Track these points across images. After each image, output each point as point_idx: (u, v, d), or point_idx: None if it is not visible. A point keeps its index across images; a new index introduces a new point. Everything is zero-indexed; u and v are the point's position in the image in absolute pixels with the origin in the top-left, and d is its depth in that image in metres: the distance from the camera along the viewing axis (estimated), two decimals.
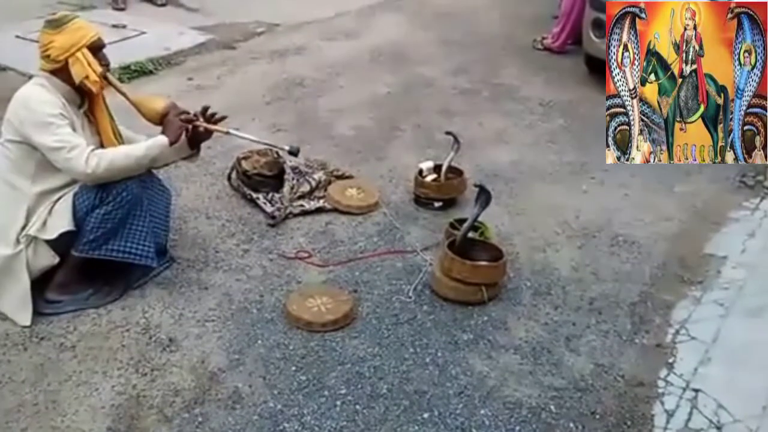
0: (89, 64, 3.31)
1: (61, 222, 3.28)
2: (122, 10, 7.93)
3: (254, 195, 4.28)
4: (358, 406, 2.94)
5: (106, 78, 3.42)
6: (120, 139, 3.52)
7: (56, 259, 3.35)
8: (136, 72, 6.18)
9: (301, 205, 4.26)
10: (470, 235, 3.77)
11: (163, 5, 8.25)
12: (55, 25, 3.31)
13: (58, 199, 3.32)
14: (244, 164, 4.38)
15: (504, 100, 6.12)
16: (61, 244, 3.31)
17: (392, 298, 3.58)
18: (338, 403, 2.96)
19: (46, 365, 3.06)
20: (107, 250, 3.36)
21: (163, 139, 3.40)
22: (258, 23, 7.77)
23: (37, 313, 3.32)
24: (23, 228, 3.27)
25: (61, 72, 3.31)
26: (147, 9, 8.12)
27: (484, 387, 3.07)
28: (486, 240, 3.86)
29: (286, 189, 4.30)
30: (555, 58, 7.17)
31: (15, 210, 3.27)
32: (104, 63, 3.43)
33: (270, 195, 4.29)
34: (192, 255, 3.82)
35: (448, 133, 4.56)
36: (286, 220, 4.15)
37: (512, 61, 7.04)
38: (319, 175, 4.50)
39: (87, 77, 3.31)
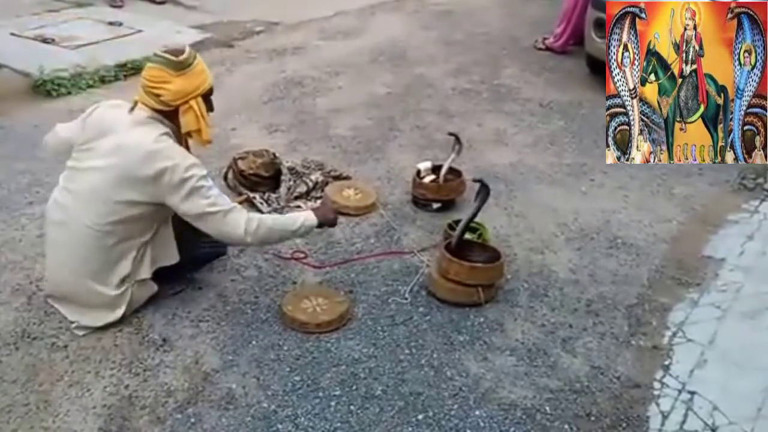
0: (202, 117, 3.08)
1: (167, 257, 3.23)
2: (119, 7, 7.92)
3: (251, 195, 4.26)
4: (352, 407, 2.92)
5: None
6: None
7: (155, 288, 3.30)
8: (132, 70, 6.15)
9: (298, 206, 4.23)
10: (468, 236, 3.75)
11: (161, 3, 8.24)
12: (178, 66, 3.02)
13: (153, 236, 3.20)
14: (241, 164, 4.36)
15: (504, 101, 6.10)
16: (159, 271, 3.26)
17: (388, 299, 3.56)
18: (332, 404, 2.94)
19: (38, 365, 3.03)
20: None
21: (314, 221, 3.27)
22: (256, 22, 7.75)
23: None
24: (129, 273, 3.15)
25: (168, 114, 3.08)
26: (145, 7, 8.11)
27: (479, 388, 3.05)
28: (484, 241, 3.85)
29: (282, 190, 4.28)
30: (556, 59, 7.15)
31: (120, 255, 3.11)
32: (210, 109, 3.20)
33: (267, 195, 4.27)
34: None
35: (450, 134, 4.53)
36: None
37: (513, 62, 7.03)
38: (316, 176, 4.48)
39: (199, 131, 3.10)
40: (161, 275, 3.30)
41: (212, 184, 3.07)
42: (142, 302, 3.31)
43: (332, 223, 3.45)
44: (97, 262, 3.10)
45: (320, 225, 3.35)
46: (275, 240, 3.37)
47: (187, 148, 3.24)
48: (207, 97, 3.16)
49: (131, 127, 3.05)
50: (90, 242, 3.07)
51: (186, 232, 3.22)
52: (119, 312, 3.21)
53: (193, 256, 3.42)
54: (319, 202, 4.26)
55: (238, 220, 3.06)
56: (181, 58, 3.03)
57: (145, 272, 3.21)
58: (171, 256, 3.25)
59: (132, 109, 3.10)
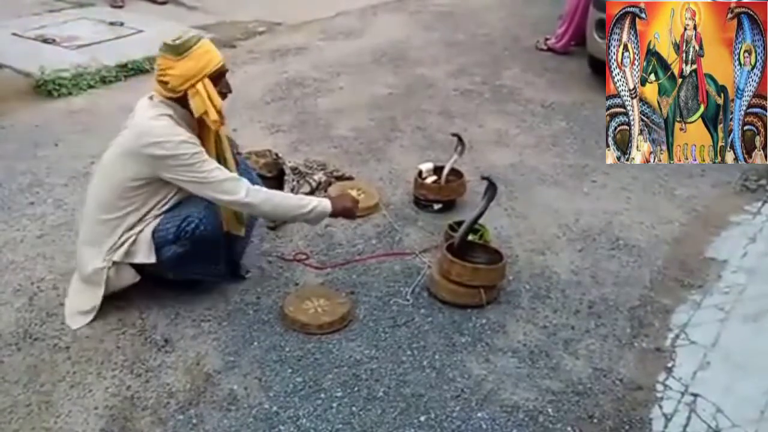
0: (210, 98, 3.08)
1: (142, 254, 3.22)
2: (120, 7, 7.92)
3: None
4: (354, 409, 2.92)
5: None
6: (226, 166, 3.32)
7: (137, 278, 3.30)
8: (132, 71, 6.17)
9: None
10: (469, 237, 3.74)
11: (163, 3, 8.24)
12: (177, 50, 3.04)
13: (144, 226, 3.21)
14: None
15: (505, 102, 6.09)
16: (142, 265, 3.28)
17: (390, 300, 3.56)
18: (334, 405, 2.93)
19: (40, 366, 3.04)
20: (187, 272, 3.36)
21: (328, 207, 3.34)
22: (258, 22, 7.76)
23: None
24: (112, 246, 3.20)
25: (180, 100, 3.12)
26: (146, 7, 8.12)
27: (481, 390, 3.04)
28: (485, 242, 3.84)
29: (286, 190, 4.27)
30: (558, 60, 7.14)
31: (112, 228, 3.19)
32: (225, 91, 3.22)
33: None
34: None
35: (454, 134, 4.52)
36: (286, 222, 4.12)
37: (514, 63, 7.02)
38: (318, 176, 4.48)
39: (206, 113, 3.09)
40: (162, 277, 3.31)
41: (206, 159, 3.12)
42: (121, 288, 3.30)
43: (351, 215, 3.53)
44: (95, 232, 3.24)
45: (334, 215, 3.42)
46: (282, 216, 3.60)
47: (217, 134, 3.29)
48: (219, 78, 3.17)
49: (143, 109, 3.17)
50: (96, 213, 3.22)
51: (194, 250, 3.24)
52: (99, 293, 3.25)
53: (185, 279, 3.43)
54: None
55: (236, 188, 3.14)
56: (178, 41, 3.07)
57: (119, 255, 3.22)
58: (146, 256, 3.23)
59: (151, 96, 3.22)
